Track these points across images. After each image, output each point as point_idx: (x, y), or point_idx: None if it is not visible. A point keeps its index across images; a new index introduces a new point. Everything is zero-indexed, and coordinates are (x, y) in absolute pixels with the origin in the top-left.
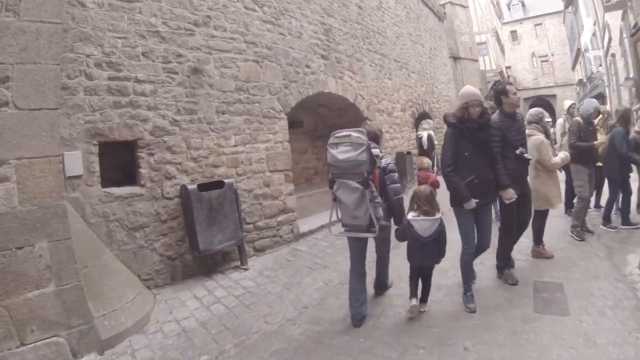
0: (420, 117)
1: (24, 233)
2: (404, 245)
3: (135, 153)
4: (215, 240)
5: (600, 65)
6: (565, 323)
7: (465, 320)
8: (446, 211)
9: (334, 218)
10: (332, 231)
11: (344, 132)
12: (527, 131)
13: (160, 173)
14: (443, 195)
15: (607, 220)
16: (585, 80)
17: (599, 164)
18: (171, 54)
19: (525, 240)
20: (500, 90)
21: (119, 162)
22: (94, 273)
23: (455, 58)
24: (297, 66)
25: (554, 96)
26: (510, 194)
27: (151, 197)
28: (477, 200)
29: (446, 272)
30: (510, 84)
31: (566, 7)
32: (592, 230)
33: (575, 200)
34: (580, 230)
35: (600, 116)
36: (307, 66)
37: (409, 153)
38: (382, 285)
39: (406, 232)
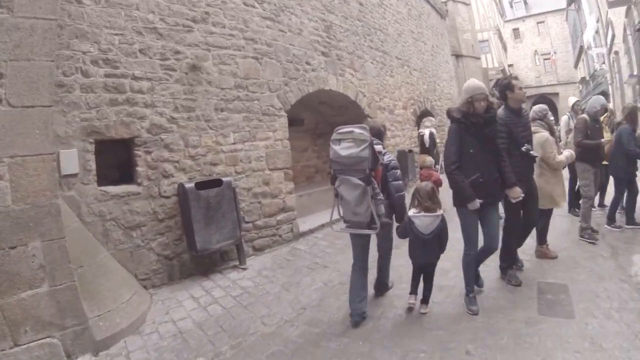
0: (422, 115)
1: (17, 232)
2: (405, 246)
3: (132, 151)
4: (213, 239)
5: (604, 62)
6: (570, 326)
7: (467, 322)
8: (448, 209)
9: (336, 215)
10: (333, 228)
11: (347, 128)
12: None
13: (158, 171)
14: (446, 195)
15: (611, 219)
16: (588, 78)
17: (605, 162)
18: (169, 51)
19: (529, 240)
20: (505, 85)
21: (116, 160)
22: (90, 273)
23: (457, 56)
24: (297, 63)
25: (557, 94)
26: (517, 193)
27: (148, 195)
28: (481, 201)
29: (448, 273)
30: (516, 78)
31: (569, 4)
32: (596, 230)
33: (581, 201)
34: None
35: (607, 114)
36: (308, 63)
37: (410, 151)
38: (382, 285)
39: (407, 229)
